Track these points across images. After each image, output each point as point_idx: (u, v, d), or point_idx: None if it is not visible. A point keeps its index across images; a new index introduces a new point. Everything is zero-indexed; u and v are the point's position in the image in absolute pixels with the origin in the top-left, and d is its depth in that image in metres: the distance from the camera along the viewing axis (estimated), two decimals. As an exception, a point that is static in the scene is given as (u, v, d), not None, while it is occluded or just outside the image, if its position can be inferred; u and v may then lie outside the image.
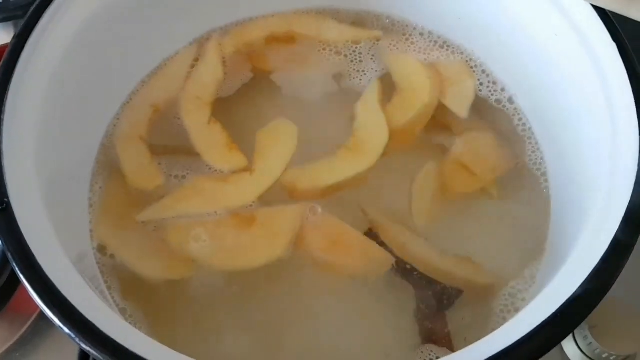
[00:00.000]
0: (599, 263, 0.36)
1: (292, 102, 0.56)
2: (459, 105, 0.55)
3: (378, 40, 0.58)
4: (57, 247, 0.39)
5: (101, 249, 0.49)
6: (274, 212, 0.49)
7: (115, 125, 0.54)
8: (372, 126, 0.53)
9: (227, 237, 0.48)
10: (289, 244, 0.48)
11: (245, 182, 0.51)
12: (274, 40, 0.58)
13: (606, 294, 0.35)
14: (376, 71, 0.57)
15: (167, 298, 0.48)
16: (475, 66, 0.57)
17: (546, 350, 0.34)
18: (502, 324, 0.44)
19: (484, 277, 0.48)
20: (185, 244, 0.48)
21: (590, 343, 0.52)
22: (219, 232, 0.49)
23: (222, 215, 0.49)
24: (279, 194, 0.51)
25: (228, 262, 0.48)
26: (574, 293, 0.35)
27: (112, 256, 0.49)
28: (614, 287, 0.36)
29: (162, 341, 0.42)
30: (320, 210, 0.49)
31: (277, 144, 0.52)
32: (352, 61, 0.57)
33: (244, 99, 0.56)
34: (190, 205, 0.50)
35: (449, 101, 0.55)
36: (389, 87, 0.56)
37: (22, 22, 0.45)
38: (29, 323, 0.56)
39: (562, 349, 0.55)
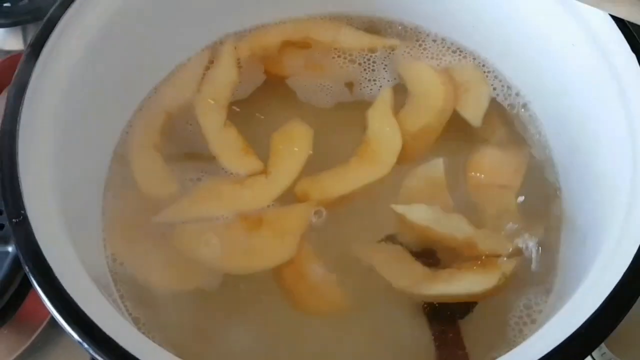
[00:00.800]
0: (620, 280, 0.35)
1: (305, 107, 0.56)
2: (472, 113, 0.54)
3: (393, 50, 0.58)
4: (72, 257, 0.39)
5: (113, 258, 0.49)
6: (281, 212, 0.49)
7: (128, 133, 0.54)
8: (385, 134, 0.53)
9: (238, 240, 0.48)
10: (298, 243, 0.48)
11: (262, 185, 0.51)
12: (289, 44, 0.58)
13: (629, 311, 0.35)
14: (388, 81, 0.56)
15: (178, 306, 0.47)
16: (489, 72, 0.57)
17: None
18: (518, 337, 0.45)
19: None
20: (196, 249, 0.48)
21: (604, 353, 0.52)
22: (229, 235, 0.49)
23: (231, 218, 0.49)
24: (294, 200, 0.51)
25: (241, 264, 0.48)
26: (594, 312, 0.35)
27: (122, 264, 0.48)
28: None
29: (176, 350, 0.42)
30: (325, 213, 0.49)
31: (292, 145, 0.52)
32: (365, 70, 0.57)
33: (257, 103, 0.56)
34: (206, 208, 0.50)
35: (462, 109, 0.55)
36: (401, 95, 0.56)
37: (30, 29, 0.44)
38: (38, 331, 0.55)
39: (575, 358, 0.55)
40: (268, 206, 0.50)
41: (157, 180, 0.51)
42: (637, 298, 0.35)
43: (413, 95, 0.55)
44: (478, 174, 0.52)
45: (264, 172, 0.51)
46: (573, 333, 0.34)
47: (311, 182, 0.51)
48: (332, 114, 0.55)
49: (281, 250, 0.48)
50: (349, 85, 0.56)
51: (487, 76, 0.57)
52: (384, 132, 0.53)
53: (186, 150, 0.53)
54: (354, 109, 0.55)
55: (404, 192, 0.51)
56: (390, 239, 0.49)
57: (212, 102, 0.54)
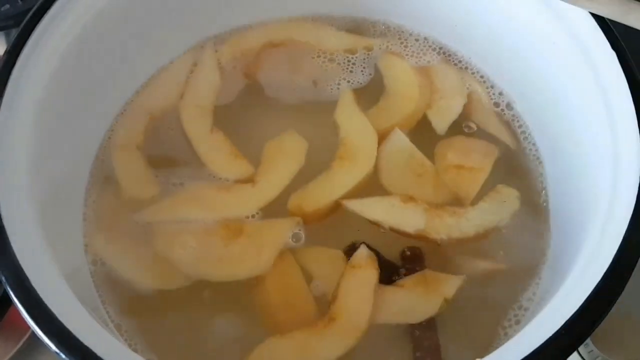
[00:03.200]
0: (603, 277, 0.36)
1: (288, 109, 0.55)
2: (440, 121, 0.54)
3: (372, 50, 0.58)
4: (51, 267, 0.38)
5: (95, 263, 0.48)
6: (262, 225, 0.49)
7: (109, 138, 0.53)
8: (359, 132, 0.53)
9: (214, 246, 0.48)
10: (273, 259, 0.47)
11: (247, 194, 0.50)
12: (270, 46, 0.58)
13: (612, 306, 0.35)
14: (360, 83, 0.56)
15: (160, 309, 0.47)
16: (473, 72, 0.57)
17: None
18: (503, 339, 0.45)
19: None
20: (170, 250, 0.48)
21: (592, 350, 0.52)
22: (207, 240, 0.48)
23: (211, 224, 0.49)
24: (279, 211, 0.50)
25: (213, 271, 0.47)
26: (579, 308, 0.35)
27: (103, 264, 0.48)
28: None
29: (158, 356, 0.42)
30: (303, 237, 0.49)
31: (284, 157, 0.52)
32: (343, 70, 0.57)
33: (241, 107, 0.56)
34: (188, 210, 0.49)
35: (432, 114, 0.55)
36: (374, 92, 0.56)
37: (13, 34, 0.44)
38: (25, 337, 0.55)
39: (563, 356, 0.55)
40: (253, 216, 0.49)
41: (139, 181, 0.51)
42: (614, 302, 0.35)
43: (388, 94, 0.55)
44: (447, 155, 0.52)
45: (252, 180, 0.51)
46: (545, 341, 0.33)
47: (301, 195, 0.50)
48: (314, 115, 0.55)
49: (256, 263, 0.47)
50: (324, 84, 0.56)
51: (472, 75, 0.57)
52: (357, 129, 0.53)
53: (170, 154, 0.53)
54: (330, 108, 0.55)
55: (386, 178, 0.51)
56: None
57: (197, 107, 0.54)
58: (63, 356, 0.33)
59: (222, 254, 0.48)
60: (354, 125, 0.53)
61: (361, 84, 0.56)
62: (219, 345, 0.46)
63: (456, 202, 0.51)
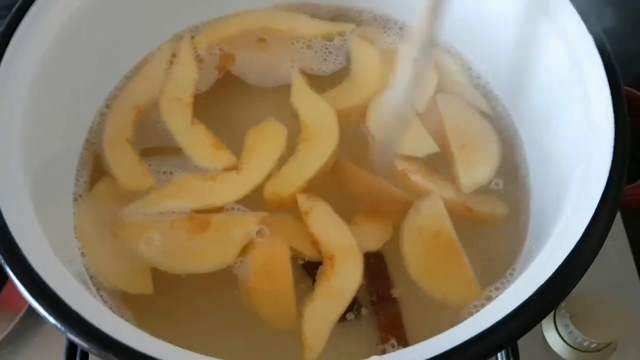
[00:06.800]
0: (575, 245, 0.37)
1: (265, 96, 0.56)
2: (418, 98, 0.55)
3: (345, 35, 0.58)
4: (43, 240, 0.39)
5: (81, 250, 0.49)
6: (228, 219, 0.49)
7: (99, 124, 0.54)
8: (317, 112, 0.54)
9: (179, 239, 0.48)
10: (237, 253, 0.48)
11: (232, 181, 0.51)
12: (247, 35, 0.58)
13: (582, 276, 0.36)
14: (331, 70, 0.57)
15: (152, 297, 0.48)
16: (455, 58, 0.58)
17: (521, 334, 0.35)
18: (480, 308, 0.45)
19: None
20: (135, 244, 0.48)
21: (571, 331, 0.53)
22: (172, 233, 0.49)
23: (178, 216, 0.49)
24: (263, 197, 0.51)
25: (177, 264, 0.48)
26: (551, 275, 0.36)
27: (82, 254, 0.48)
28: (594, 277, 0.37)
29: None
30: (268, 232, 0.49)
31: (265, 144, 0.53)
32: (318, 57, 0.58)
33: (220, 96, 0.56)
34: (175, 202, 0.50)
35: None
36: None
37: (3, 23, 0.45)
38: (16, 319, 0.56)
39: (544, 337, 0.56)
40: (238, 201, 0.50)
41: (135, 174, 0.51)
42: (585, 271, 0.36)
43: (351, 76, 0.56)
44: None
45: (236, 168, 0.52)
46: (527, 299, 0.35)
47: (275, 183, 0.51)
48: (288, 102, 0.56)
49: (219, 257, 0.48)
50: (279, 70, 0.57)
51: (454, 63, 0.57)
52: (315, 110, 0.54)
53: (159, 145, 0.54)
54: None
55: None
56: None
57: (177, 100, 0.54)
58: (53, 320, 0.34)
59: (187, 247, 0.48)
60: (310, 107, 0.54)
61: (333, 69, 0.57)
62: (204, 335, 0.46)
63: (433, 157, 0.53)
